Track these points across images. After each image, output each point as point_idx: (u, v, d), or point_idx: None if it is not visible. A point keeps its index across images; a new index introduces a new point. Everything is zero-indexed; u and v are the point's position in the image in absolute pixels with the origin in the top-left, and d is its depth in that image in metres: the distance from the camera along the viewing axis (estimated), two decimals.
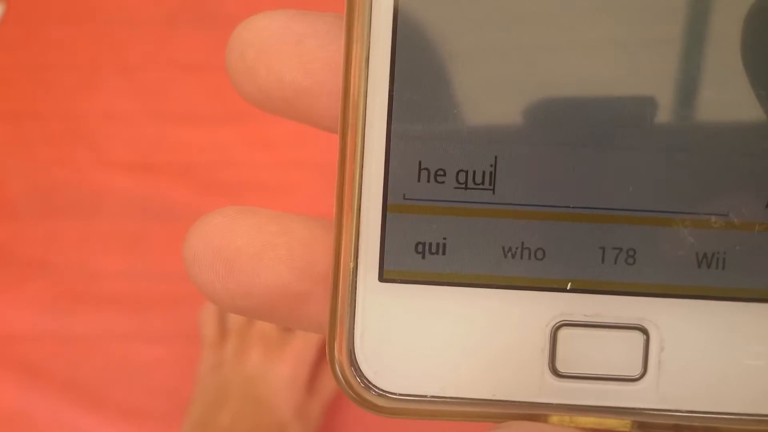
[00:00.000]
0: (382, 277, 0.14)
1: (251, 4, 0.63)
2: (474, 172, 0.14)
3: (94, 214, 0.58)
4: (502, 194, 0.14)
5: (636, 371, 0.14)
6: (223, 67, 0.57)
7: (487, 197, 0.14)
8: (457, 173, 0.14)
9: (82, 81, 0.61)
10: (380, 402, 0.14)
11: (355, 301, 0.14)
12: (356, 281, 0.14)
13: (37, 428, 0.55)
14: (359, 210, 0.14)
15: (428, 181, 0.14)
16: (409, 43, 0.14)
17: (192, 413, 0.50)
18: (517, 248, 0.14)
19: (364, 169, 0.14)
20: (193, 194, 0.58)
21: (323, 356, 0.52)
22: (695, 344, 0.14)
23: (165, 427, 0.54)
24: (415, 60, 0.14)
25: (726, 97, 0.14)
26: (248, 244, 0.14)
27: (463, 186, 0.14)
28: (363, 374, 0.14)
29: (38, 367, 0.55)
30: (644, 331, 0.14)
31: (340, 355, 0.14)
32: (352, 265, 0.14)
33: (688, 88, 0.14)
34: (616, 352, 0.14)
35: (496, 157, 0.14)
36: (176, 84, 0.60)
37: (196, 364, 0.55)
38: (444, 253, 0.14)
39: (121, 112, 0.60)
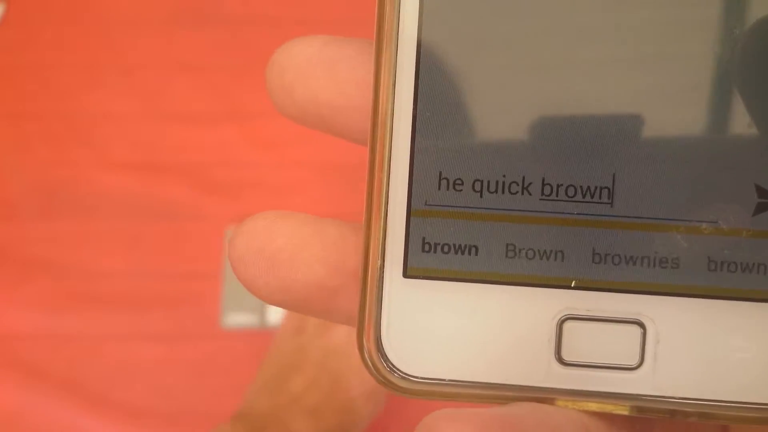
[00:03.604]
0: (406, 274, 0.16)
1: (251, 4, 0.63)
2: (488, 182, 0.15)
3: (94, 214, 0.58)
4: (515, 201, 0.15)
5: (634, 361, 0.15)
6: (223, 67, 0.57)
7: (502, 203, 0.16)
8: (474, 182, 0.16)
9: (82, 81, 0.61)
10: (403, 384, 0.16)
11: (381, 295, 0.16)
12: (383, 277, 0.16)
13: (37, 428, 0.55)
14: (386, 214, 0.16)
15: (447, 189, 0.16)
16: (430, 69, 0.15)
17: (264, 372, 0.50)
18: (527, 249, 0.15)
19: (390, 178, 0.16)
20: (193, 194, 0.58)
21: None
22: (688, 338, 0.15)
23: (165, 427, 0.54)
24: (436, 83, 0.15)
25: (720, 120, 0.15)
26: (287, 244, 0.16)
27: (479, 193, 0.15)
28: (389, 359, 0.16)
29: (38, 367, 0.55)
30: (641, 325, 0.15)
31: (368, 342, 0.16)
32: (379, 263, 0.16)
33: (684, 106, 0.15)
34: (616, 343, 0.15)
35: (509, 167, 0.15)
36: (176, 84, 0.60)
37: (196, 363, 0.56)
38: (462, 253, 0.16)
39: (121, 112, 0.60)
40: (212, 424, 0.51)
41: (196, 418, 0.55)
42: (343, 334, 0.50)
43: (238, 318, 0.56)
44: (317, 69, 0.16)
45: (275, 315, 0.55)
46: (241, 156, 0.59)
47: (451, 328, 0.16)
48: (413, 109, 0.15)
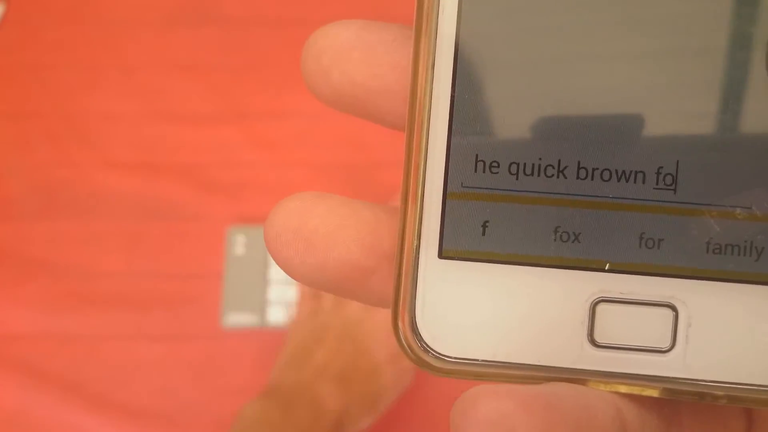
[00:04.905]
0: (441, 255, 0.16)
1: (251, 4, 0.63)
2: (524, 164, 0.16)
3: (94, 214, 0.58)
4: (551, 183, 0.16)
5: (665, 344, 0.16)
6: (223, 67, 0.57)
7: (537, 186, 0.16)
8: (510, 165, 0.16)
9: (82, 81, 0.61)
10: (437, 364, 0.16)
11: (417, 275, 0.16)
12: (418, 258, 0.16)
13: (37, 428, 0.55)
14: (423, 196, 0.16)
15: (484, 171, 0.16)
16: (469, 52, 0.16)
17: (287, 352, 0.51)
18: (562, 232, 0.16)
19: (427, 160, 0.16)
20: (193, 194, 0.58)
21: None
22: (719, 321, 0.16)
23: (165, 427, 0.54)
24: (474, 67, 0.16)
25: (753, 105, 0.15)
26: (324, 224, 0.16)
27: (515, 176, 0.16)
28: (423, 339, 0.16)
29: (38, 367, 0.55)
30: (673, 309, 0.16)
31: (403, 322, 0.16)
32: (415, 243, 0.16)
33: (718, 96, 0.15)
34: (648, 326, 0.16)
35: (545, 150, 0.16)
36: (176, 84, 0.60)
37: (196, 363, 0.56)
38: (497, 235, 0.16)
39: (121, 112, 0.60)
40: (212, 424, 0.51)
41: (196, 418, 0.55)
42: (356, 305, 0.51)
43: (238, 318, 0.56)
44: (354, 52, 0.16)
45: (275, 315, 0.55)
46: (241, 156, 0.59)
47: (485, 309, 0.16)
48: (451, 91, 0.16)
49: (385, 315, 0.50)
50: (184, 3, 0.62)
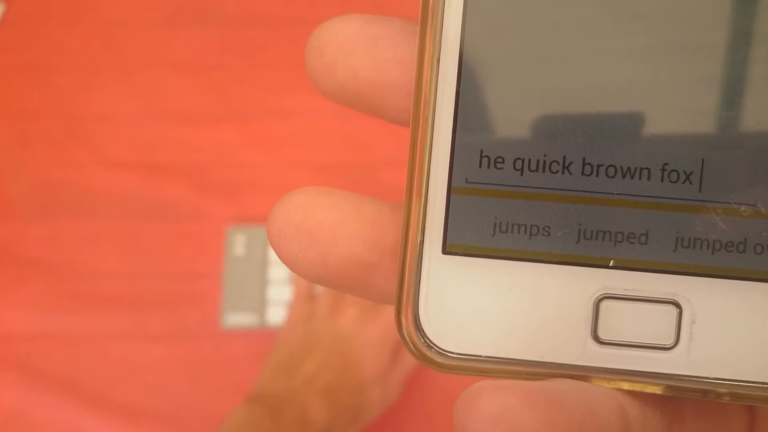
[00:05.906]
0: (445, 251, 0.16)
1: (251, 4, 0.63)
2: (529, 160, 0.16)
3: (94, 214, 0.58)
4: (556, 179, 0.16)
5: (669, 341, 0.16)
6: (223, 67, 0.57)
7: (542, 182, 0.16)
8: (515, 161, 0.16)
9: (82, 81, 0.61)
10: (440, 359, 0.16)
11: (420, 270, 0.16)
12: (422, 253, 0.16)
13: (36, 428, 0.55)
14: (427, 191, 0.16)
15: (488, 167, 0.16)
16: (475, 45, 0.16)
17: (276, 357, 0.51)
18: (566, 228, 0.16)
19: (432, 155, 0.16)
20: (193, 194, 0.58)
21: None
22: (723, 319, 0.15)
23: (165, 427, 0.54)
24: (479, 62, 0.16)
25: (757, 102, 0.15)
26: (327, 219, 0.16)
27: (520, 172, 0.16)
28: (426, 335, 0.16)
29: (38, 367, 0.55)
30: (677, 306, 0.16)
31: (406, 318, 0.16)
32: (419, 239, 0.16)
33: (722, 93, 0.15)
34: (652, 323, 0.16)
35: (550, 146, 0.16)
36: (176, 84, 0.60)
37: (196, 363, 0.56)
38: (501, 230, 0.16)
39: (120, 112, 0.60)
40: (212, 424, 0.51)
41: (196, 418, 0.55)
42: (350, 318, 0.51)
43: (238, 318, 0.56)
44: (358, 46, 0.16)
45: (275, 315, 0.55)
46: (240, 156, 0.59)
47: (489, 305, 0.16)
48: (456, 86, 0.16)
49: (375, 332, 0.50)
50: (184, 3, 0.62)
